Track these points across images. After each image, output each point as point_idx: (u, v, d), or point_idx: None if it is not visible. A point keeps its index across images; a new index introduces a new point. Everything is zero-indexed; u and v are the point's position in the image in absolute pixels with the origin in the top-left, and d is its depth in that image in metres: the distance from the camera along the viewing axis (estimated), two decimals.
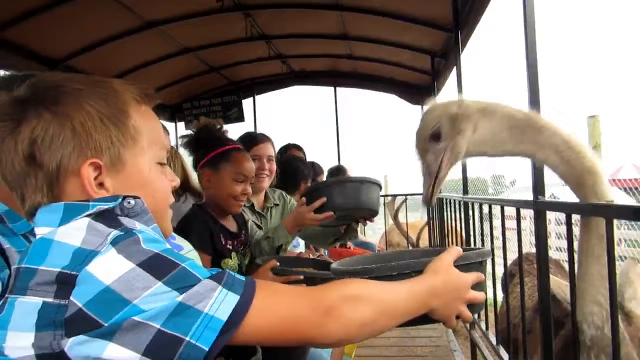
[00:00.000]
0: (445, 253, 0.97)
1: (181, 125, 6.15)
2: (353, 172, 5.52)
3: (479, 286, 0.98)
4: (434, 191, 1.38)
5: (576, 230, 1.31)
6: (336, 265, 1.16)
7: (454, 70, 3.56)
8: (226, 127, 2.13)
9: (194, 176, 2.88)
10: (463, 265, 0.96)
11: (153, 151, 0.86)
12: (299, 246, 2.80)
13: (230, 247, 1.92)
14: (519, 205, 1.72)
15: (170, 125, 6.08)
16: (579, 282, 1.27)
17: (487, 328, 2.47)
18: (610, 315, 1.07)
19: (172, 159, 2.84)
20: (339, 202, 1.93)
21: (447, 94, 4.68)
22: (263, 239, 2.10)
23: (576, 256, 1.30)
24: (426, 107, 1.39)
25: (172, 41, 4.44)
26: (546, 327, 1.51)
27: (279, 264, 1.75)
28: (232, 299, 0.71)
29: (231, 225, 2.00)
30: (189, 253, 1.59)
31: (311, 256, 2.85)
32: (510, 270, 2.47)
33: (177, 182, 0.94)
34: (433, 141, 1.34)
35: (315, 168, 4.83)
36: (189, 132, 2.04)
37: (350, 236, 2.23)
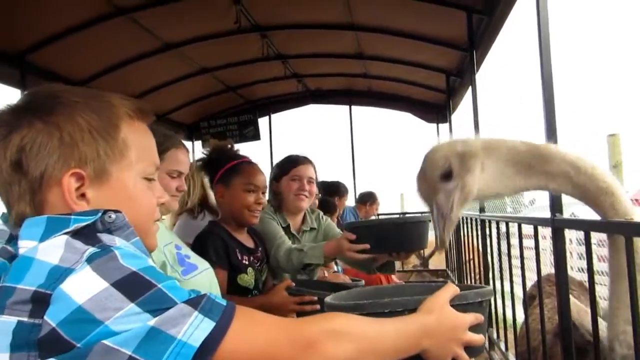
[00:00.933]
0: (441, 290, 0.91)
1: (198, 143, 6.23)
2: (368, 188, 5.53)
3: (478, 327, 0.92)
4: (446, 233, 1.32)
5: (604, 250, 1.29)
6: (330, 299, 1.16)
7: (469, 89, 3.58)
8: (241, 145, 2.19)
9: (212, 194, 2.93)
10: (460, 305, 0.91)
11: (141, 166, 0.86)
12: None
13: (247, 262, 1.94)
14: (536, 222, 1.71)
15: (187, 144, 6.15)
16: (610, 301, 1.24)
17: (507, 349, 2.43)
18: (633, 334, 1.05)
19: (191, 177, 2.90)
20: (389, 244, 1.86)
21: (462, 112, 4.69)
22: (296, 249, 2.12)
23: (603, 276, 1.28)
24: (430, 148, 1.32)
25: (190, 61, 4.53)
26: (567, 352, 1.49)
27: (294, 284, 1.76)
28: (207, 325, 0.68)
29: (247, 240, 2.03)
30: (203, 272, 1.59)
31: (326, 273, 2.84)
32: (530, 292, 2.42)
33: (165, 198, 0.94)
34: (443, 180, 1.29)
35: (341, 188, 4.88)
36: (203, 154, 2.12)
37: (388, 269, 2.23)
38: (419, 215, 2.03)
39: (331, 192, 4.54)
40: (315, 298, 1.68)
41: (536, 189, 1.30)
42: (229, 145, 2.12)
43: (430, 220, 1.86)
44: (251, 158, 2.11)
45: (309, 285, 1.90)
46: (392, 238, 1.85)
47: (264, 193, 2.02)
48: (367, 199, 5.29)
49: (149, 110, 0.92)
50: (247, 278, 1.92)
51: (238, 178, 1.97)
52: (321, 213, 2.62)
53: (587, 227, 1.26)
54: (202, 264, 1.63)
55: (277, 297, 1.72)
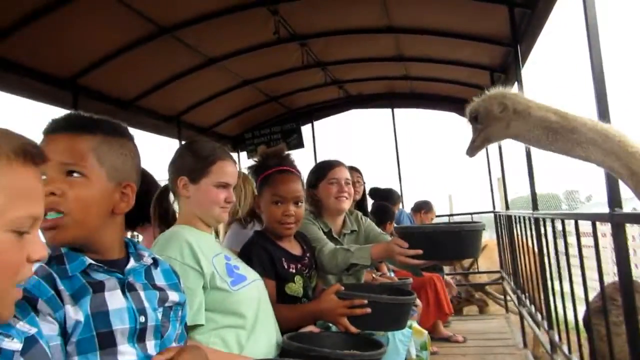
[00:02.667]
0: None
1: (243, 154, 6.33)
2: (414, 191, 5.48)
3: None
4: (471, 150, 1.53)
5: None
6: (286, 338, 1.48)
7: (515, 85, 3.47)
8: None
9: None
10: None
11: (9, 215, 0.75)
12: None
13: (294, 271, 1.93)
14: (594, 218, 1.63)
15: (233, 155, 6.28)
16: None
17: (570, 351, 2.32)
18: None
19: (241, 186, 2.96)
20: (441, 251, 1.83)
21: None
22: (342, 249, 2.11)
23: None
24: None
25: (232, 75, 4.63)
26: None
27: (343, 288, 1.74)
28: None
29: (294, 248, 2.01)
30: (252, 283, 1.59)
31: (373, 276, 2.81)
32: (596, 305, 2.24)
33: (42, 256, 0.80)
34: (472, 121, 1.50)
35: (394, 195, 4.88)
36: (254, 161, 2.12)
37: (436, 270, 2.21)
38: (473, 223, 1.97)
39: (384, 199, 4.52)
40: (366, 301, 1.65)
41: (561, 152, 1.34)
42: (279, 152, 2.08)
43: (484, 229, 1.84)
44: (294, 166, 2.06)
45: (358, 289, 1.88)
46: (445, 245, 1.82)
47: (298, 203, 1.96)
48: (423, 207, 5.24)
49: (39, 152, 0.80)
50: (295, 287, 1.91)
51: (267, 190, 1.97)
52: (360, 214, 2.62)
53: None
54: (251, 275, 1.64)
55: (326, 303, 1.70)
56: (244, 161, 6.28)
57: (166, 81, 4.24)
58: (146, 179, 2.03)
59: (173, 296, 1.21)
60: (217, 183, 1.60)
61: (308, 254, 2.05)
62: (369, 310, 1.64)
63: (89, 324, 1.00)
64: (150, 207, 1.74)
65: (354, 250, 2.06)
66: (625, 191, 1.45)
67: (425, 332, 2.29)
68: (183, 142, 1.72)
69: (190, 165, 1.60)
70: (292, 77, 4.98)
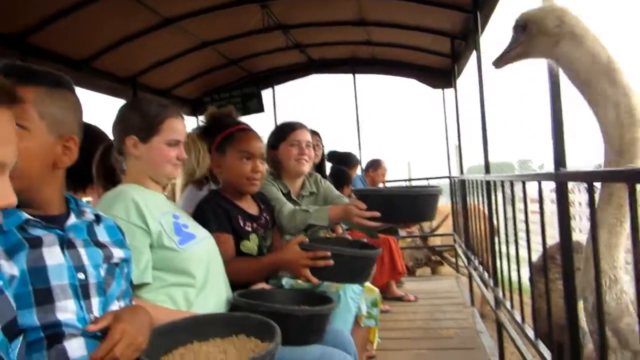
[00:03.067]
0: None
1: (202, 119, 6.21)
2: (374, 157, 5.52)
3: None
4: (502, 60, 1.52)
5: None
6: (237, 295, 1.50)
7: (474, 52, 3.52)
8: (246, 118, 2.17)
9: None
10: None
11: None
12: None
13: (250, 229, 1.94)
14: (539, 178, 1.70)
15: (191, 120, 6.16)
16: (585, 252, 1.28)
17: (512, 307, 2.46)
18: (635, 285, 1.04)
19: (200, 148, 2.91)
20: (399, 214, 1.86)
21: (467, 77, 4.64)
22: (301, 210, 2.14)
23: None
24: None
25: (190, 36, 4.49)
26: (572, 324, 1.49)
27: (307, 240, 1.75)
28: None
29: (251, 207, 2.02)
30: (201, 241, 1.59)
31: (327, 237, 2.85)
32: (539, 264, 2.38)
33: (9, 202, 0.80)
34: (518, 30, 1.45)
35: (352, 158, 4.91)
36: (201, 122, 2.11)
37: (391, 232, 2.25)
38: (430, 187, 2.01)
39: (342, 163, 4.57)
40: (329, 253, 1.65)
41: (582, 91, 1.34)
42: (229, 114, 2.09)
43: (440, 193, 1.89)
44: (250, 126, 2.07)
45: (322, 243, 1.91)
46: (402, 209, 1.85)
47: (262, 161, 1.99)
48: (371, 165, 5.30)
49: (9, 92, 0.79)
50: (250, 245, 1.93)
51: (232, 147, 1.96)
52: (319, 176, 2.64)
53: (592, 178, 1.25)
54: (201, 233, 1.63)
55: (289, 253, 1.71)
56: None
57: (121, 41, 4.07)
58: (100, 137, 1.99)
59: (118, 253, 1.21)
60: (169, 141, 1.58)
61: (265, 214, 2.06)
62: (331, 262, 1.64)
63: (25, 279, 0.99)
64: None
65: (312, 212, 2.09)
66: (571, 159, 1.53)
67: (377, 289, 2.36)
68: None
69: (139, 124, 1.57)
70: (253, 40, 4.88)
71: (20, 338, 0.91)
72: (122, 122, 1.61)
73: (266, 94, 6.13)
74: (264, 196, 2.16)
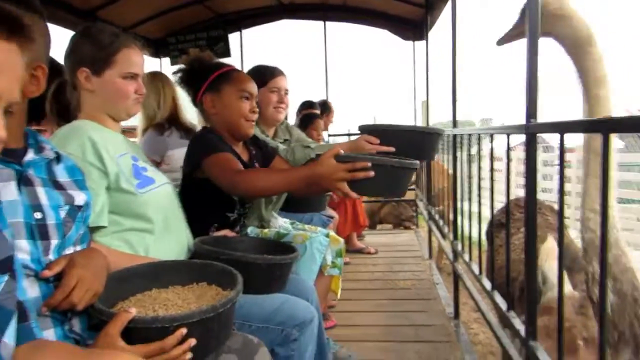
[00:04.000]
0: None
1: (166, 60, 5.95)
2: (341, 108, 5.43)
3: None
4: (503, 40, 1.78)
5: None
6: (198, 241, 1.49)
7: (449, 3, 3.43)
8: None
9: (182, 109, 2.79)
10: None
11: None
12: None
13: None
14: (509, 131, 1.68)
15: (154, 61, 5.89)
16: (582, 196, 1.49)
17: (470, 259, 2.50)
18: (601, 225, 1.05)
19: (161, 89, 2.75)
20: (411, 150, 1.82)
21: (440, 29, 4.54)
22: (300, 146, 2.08)
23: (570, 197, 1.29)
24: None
25: None
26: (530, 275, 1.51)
27: (342, 151, 1.51)
28: None
29: (243, 153, 1.95)
30: (160, 187, 1.50)
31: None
32: (498, 219, 2.43)
33: None
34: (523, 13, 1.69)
35: (328, 105, 4.98)
36: (180, 66, 1.96)
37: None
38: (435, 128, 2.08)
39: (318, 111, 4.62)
40: (369, 164, 1.44)
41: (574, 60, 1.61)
42: (209, 57, 1.96)
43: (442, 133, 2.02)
44: None
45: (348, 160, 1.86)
46: (414, 146, 1.84)
47: (257, 102, 1.91)
48: (323, 110, 5.13)
49: (16, 24, 0.77)
50: None
51: (230, 86, 1.85)
52: (288, 123, 2.59)
53: (563, 128, 1.23)
54: (160, 178, 1.54)
55: (325, 166, 1.45)
56: (167, 67, 5.91)
57: None
58: (57, 70, 1.83)
59: (80, 195, 1.14)
60: (124, 74, 1.47)
61: (255, 161, 1.98)
62: (371, 173, 1.42)
63: None
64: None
65: (315, 147, 2.05)
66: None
67: (342, 240, 2.36)
68: None
69: (91, 54, 1.44)
70: None
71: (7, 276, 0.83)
72: (73, 52, 1.49)
73: (233, 38, 5.89)
74: (258, 139, 2.08)
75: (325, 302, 2.60)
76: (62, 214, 1.07)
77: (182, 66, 1.95)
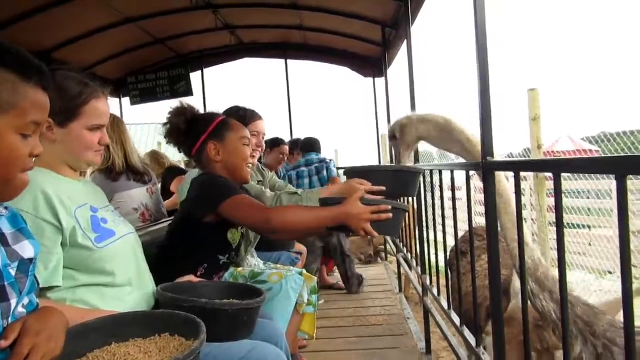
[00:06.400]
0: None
1: (125, 100, 5.89)
2: None
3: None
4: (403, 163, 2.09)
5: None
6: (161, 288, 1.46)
7: (405, 42, 3.54)
8: (173, 101, 2.09)
9: (134, 155, 2.74)
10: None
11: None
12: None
13: None
14: (467, 168, 1.73)
15: (114, 101, 5.82)
16: (504, 232, 1.62)
17: (439, 294, 2.51)
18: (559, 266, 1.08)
19: (117, 133, 2.69)
20: (401, 189, 1.99)
21: (398, 66, 4.68)
22: (287, 193, 2.11)
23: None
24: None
25: (112, 10, 4.20)
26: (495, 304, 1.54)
27: (366, 194, 1.76)
28: None
29: None
30: (122, 238, 1.44)
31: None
32: (460, 248, 2.49)
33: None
34: (392, 139, 2.11)
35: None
36: (167, 120, 1.98)
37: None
38: (415, 167, 2.24)
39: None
40: (390, 207, 1.64)
41: (448, 150, 1.95)
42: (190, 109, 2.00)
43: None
44: None
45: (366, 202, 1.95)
46: (403, 185, 1.96)
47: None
48: (294, 148, 5.13)
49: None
50: (236, 235, 1.88)
51: (232, 133, 1.94)
52: (260, 165, 2.61)
53: (518, 167, 1.27)
54: (122, 229, 1.48)
55: (354, 207, 1.62)
56: (126, 107, 5.85)
57: (32, 11, 3.73)
58: None
59: (27, 247, 1.07)
60: (91, 126, 1.41)
61: None
62: (391, 215, 1.62)
63: None
64: None
65: (302, 194, 2.08)
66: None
67: (315, 277, 2.35)
68: None
69: (56, 105, 1.38)
70: (181, 19, 4.66)
71: None
72: None
73: (195, 77, 5.90)
74: (247, 190, 2.11)
75: (296, 341, 2.55)
76: (12, 272, 1.01)
77: (168, 121, 1.96)
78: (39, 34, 4.11)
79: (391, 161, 2.11)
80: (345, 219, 1.63)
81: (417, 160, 3.21)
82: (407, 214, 1.95)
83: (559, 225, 1.10)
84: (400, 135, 2.05)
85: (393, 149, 2.11)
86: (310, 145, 4.84)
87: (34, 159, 1.00)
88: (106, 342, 1.18)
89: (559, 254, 1.12)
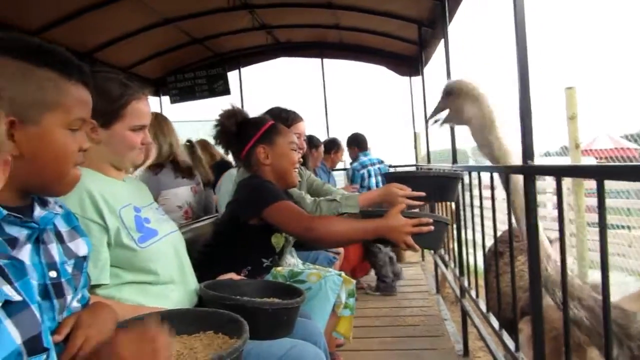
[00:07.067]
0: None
1: (165, 99, 6.03)
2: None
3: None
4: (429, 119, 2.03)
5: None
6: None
7: (442, 41, 3.50)
8: (211, 100, 2.17)
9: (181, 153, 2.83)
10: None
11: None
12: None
13: None
14: (508, 171, 1.70)
15: (154, 100, 5.97)
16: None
17: (477, 296, 2.48)
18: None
19: (165, 132, 2.79)
20: (430, 195, 2.00)
21: (434, 64, 4.63)
22: (326, 200, 2.14)
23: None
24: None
25: (152, 11, 4.30)
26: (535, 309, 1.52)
27: (407, 201, 1.86)
28: None
29: None
30: (164, 238, 1.47)
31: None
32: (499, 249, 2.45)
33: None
34: (447, 96, 1.94)
35: (337, 142, 5.10)
36: (217, 122, 2.05)
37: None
38: (456, 172, 2.26)
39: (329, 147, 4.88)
40: (431, 220, 1.67)
41: (478, 144, 1.87)
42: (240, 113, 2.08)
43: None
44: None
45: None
46: (443, 189, 1.97)
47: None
48: (332, 147, 5.16)
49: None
50: (280, 239, 1.93)
51: (281, 137, 1.98)
52: (302, 167, 2.64)
53: (559, 172, 1.25)
54: (164, 228, 1.51)
55: (395, 220, 1.66)
56: (166, 106, 5.99)
57: (76, 13, 3.85)
58: None
59: (81, 245, 1.13)
60: (134, 126, 1.45)
61: None
62: (432, 228, 1.65)
63: None
64: None
65: (340, 200, 2.10)
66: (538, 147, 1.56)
67: (354, 281, 2.35)
68: None
69: (99, 107, 1.42)
70: (218, 19, 4.73)
71: (44, 357, 0.81)
72: None
73: (232, 76, 5.99)
74: (290, 195, 2.16)
75: (332, 340, 2.57)
76: (69, 269, 1.05)
77: (218, 123, 2.04)
78: (81, 36, 4.25)
79: (429, 115, 2.08)
80: (387, 232, 1.66)
81: (454, 160, 3.18)
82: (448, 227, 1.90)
83: (602, 233, 1.07)
84: (452, 99, 1.92)
85: (439, 103, 1.98)
86: (366, 144, 5.02)
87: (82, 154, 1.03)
88: None
89: (602, 264, 1.09)
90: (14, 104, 0.90)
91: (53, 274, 0.99)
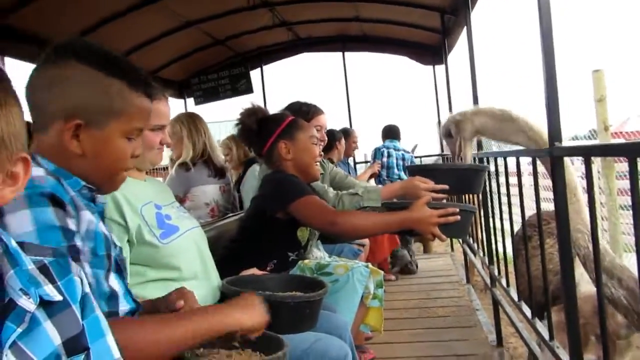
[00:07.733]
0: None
1: (190, 100, 6.10)
2: (364, 134, 5.47)
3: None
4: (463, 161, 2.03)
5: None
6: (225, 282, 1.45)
7: (464, 28, 3.44)
8: (235, 99, 2.21)
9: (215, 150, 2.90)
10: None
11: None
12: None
13: None
14: (534, 154, 1.66)
15: (179, 102, 6.05)
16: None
17: (508, 285, 2.43)
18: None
19: (202, 129, 2.88)
20: (456, 188, 2.02)
21: (458, 52, 4.56)
22: (348, 194, 2.14)
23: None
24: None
25: (174, 15, 4.36)
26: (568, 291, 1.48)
27: (431, 199, 1.80)
28: None
29: None
30: (185, 233, 1.49)
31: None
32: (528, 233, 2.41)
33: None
34: (447, 137, 2.07)
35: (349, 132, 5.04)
36: (238, 121, 2.08)
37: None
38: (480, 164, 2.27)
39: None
40: (458, 210, 1.67)
41: (508, 141, 1.91)
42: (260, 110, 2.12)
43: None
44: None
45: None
46: (466, 182, 1.97)
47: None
48: (344, 134, 5.09)
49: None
50: (305, 233, 1.94)
51: (302, 133, 2.00)
52: (324, 159, 2.64)
53: (588, 152, 1.21)
54: (185, 224, 1.53)
55: (421, 212, 1.67)
56: (191, 108, 6.06)
57: (101, 22, 3.94)
58: None
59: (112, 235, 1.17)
60: (153, 126, 1.48)
61: None
62: (458, 218, 1.65)
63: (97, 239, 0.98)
64: None
65: (362, 194, 2.10)
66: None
67: (382, 272, 2.34)
68: None
69: None
70: (238, 18, 4.75)
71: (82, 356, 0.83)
72: None
73: (255, 74, 6.01)
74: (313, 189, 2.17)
75: (361, 333, 2.56)
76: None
77: (242, 123, 2.07)
78: (108, 43, 4.32)
79: (449, 159, 2.11)
80: (413, 224, 1.67)
81: (479, 147, 3.12)
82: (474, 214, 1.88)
83: (636, 212, 1.03)
84: (456, 132, 2.02)
85: (449, 147, 2.07)
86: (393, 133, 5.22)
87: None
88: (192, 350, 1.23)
89: (638, 246, 1.06)
90: (82, 108, 0.97)
91: (118, 250, 1.06)
